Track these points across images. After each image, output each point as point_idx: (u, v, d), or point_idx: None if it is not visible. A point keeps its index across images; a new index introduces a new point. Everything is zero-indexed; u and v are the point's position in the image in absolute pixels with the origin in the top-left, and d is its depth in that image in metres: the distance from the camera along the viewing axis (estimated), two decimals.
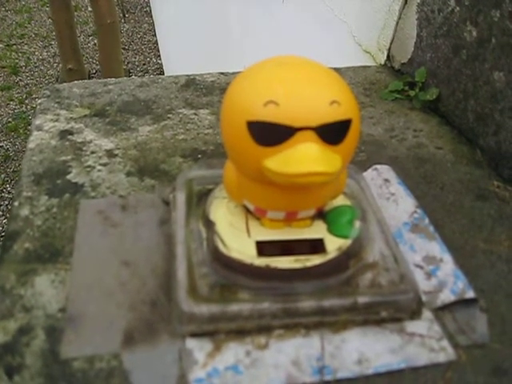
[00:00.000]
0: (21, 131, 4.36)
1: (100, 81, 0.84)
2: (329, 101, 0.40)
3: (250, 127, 0.39)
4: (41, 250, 0.52)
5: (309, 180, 0.39)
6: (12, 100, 4.76)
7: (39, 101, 0.78)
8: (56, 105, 0.76)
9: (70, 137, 0.69)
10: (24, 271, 0.49)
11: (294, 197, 0.45)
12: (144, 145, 0.68)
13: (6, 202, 3.68)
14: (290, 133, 0.39)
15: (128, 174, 0.62)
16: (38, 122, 0.72)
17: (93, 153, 0.66)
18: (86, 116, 0.74)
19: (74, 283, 0.48)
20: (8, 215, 3.46)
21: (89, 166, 0.63)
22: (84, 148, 0.66)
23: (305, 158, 0.39)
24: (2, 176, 3.92)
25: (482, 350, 0.45)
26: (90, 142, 0.68)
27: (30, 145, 0.67)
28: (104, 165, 0.63)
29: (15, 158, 4.11)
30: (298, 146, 0.39)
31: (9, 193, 3.78)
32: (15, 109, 4.65)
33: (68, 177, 0.61)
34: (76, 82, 0.84)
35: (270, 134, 0.39)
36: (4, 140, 4.29)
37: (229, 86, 0.44)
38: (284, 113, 0.39)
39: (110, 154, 0.66)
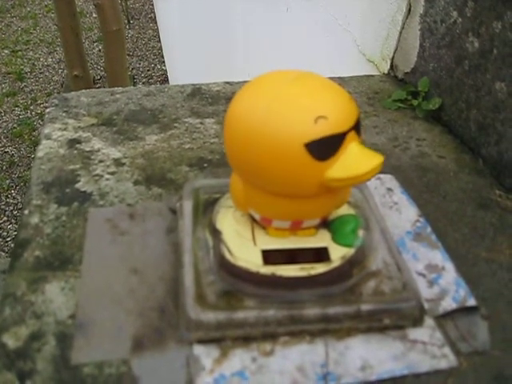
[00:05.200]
0: (26, 137, 4.38)
1: (107, 90, 0.85)
2: (350, 99, 0.43)
3: (308, 148, 0.40)
4: (51, 257, 0.53)
5: (374, 173, 0.41)
6: (17, 106, 4.78)
7: (47, 110, 0.79)
8: (64, 114, 0.77)
9: (78, 146, 0.70)
10: (34, 279, 0.50)
11: (300, 206, 0.46)
12: (151, 154, 0.69)
13: (11, 208, 3.69)
14: (341, 138, 0.41)
15: (135, 183, 0.63)
16: (46, 130, 0.73)
17: (101, 162, 0.67)
18: (93, 125, 0.75)
19: (84, 290, 0.49)
20: (13, 221, 3.48)
21: (97, 175, 0.64)
22: (92, 157, 0.67)
23: (364, 155, 0.42)
24: (7, 182, 3.93)
25: (483, 357, 0.46)
26: (98, 150, 0.69)
27: (39, 153, 0.68)
28: (112, 173, 0.64)
29: (20, 164, 4.12)
30: (350, 148, 0.41)
31: (13, 198, 3.79)
32: (20, 115, 4.67)
33: (76, 185, 0.62)
34: (84, 90, 0.85)
35: (328, 147, 0.41)
36: (9, 146, 4.30)
37: (251, 118, 0.42)
38: (333, 123, 0.40)
39: (117, 162, 0.67)
